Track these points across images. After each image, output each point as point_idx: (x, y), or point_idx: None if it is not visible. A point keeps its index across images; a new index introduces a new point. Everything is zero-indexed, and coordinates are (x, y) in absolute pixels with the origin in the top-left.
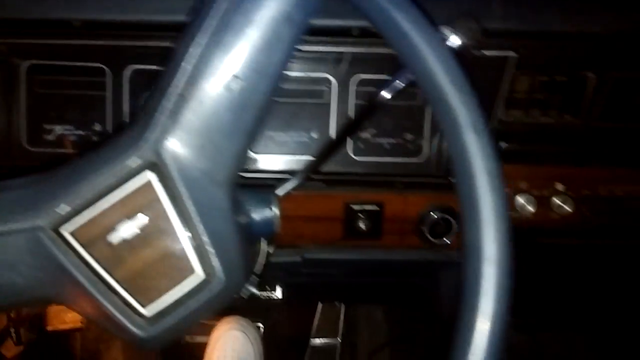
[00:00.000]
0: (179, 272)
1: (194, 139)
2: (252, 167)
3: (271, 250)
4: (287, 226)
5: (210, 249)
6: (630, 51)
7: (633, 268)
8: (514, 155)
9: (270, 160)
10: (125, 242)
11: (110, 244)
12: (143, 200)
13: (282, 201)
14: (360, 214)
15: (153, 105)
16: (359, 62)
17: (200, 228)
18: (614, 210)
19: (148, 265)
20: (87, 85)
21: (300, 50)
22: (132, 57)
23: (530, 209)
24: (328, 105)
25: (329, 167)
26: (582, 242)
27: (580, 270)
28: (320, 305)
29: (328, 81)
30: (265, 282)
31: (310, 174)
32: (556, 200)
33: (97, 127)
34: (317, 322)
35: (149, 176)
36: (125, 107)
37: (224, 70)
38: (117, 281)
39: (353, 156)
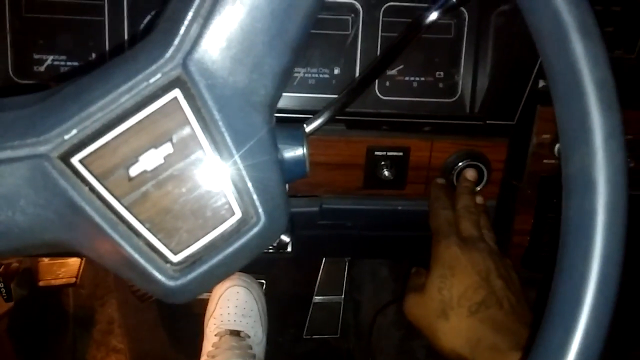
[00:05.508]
0: (211, 210)
1: (228, 48)
2: None
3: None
4: None
5: (248, 183)
6: None
7: None
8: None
9: (286, 100)
10: (148, 175)
11: (130, 177)
12: (169, 126)
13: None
14: (383, 161)
15: (179, 7)
16: None
17: (237, 158)
18: None
19: (176, 202)
20: (82, 9)
21: None
22: None
23: None
24: (353, 37)
25: (351, 106)
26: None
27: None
28: (323, 262)
29: (354, 9)
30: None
31: (337, 113)
32: None
33: (94, 57)
34: (320, 279)
35: (177, 96)
36: (125, 34)
37: None
38: (141, 221)
39: (379, 95)
